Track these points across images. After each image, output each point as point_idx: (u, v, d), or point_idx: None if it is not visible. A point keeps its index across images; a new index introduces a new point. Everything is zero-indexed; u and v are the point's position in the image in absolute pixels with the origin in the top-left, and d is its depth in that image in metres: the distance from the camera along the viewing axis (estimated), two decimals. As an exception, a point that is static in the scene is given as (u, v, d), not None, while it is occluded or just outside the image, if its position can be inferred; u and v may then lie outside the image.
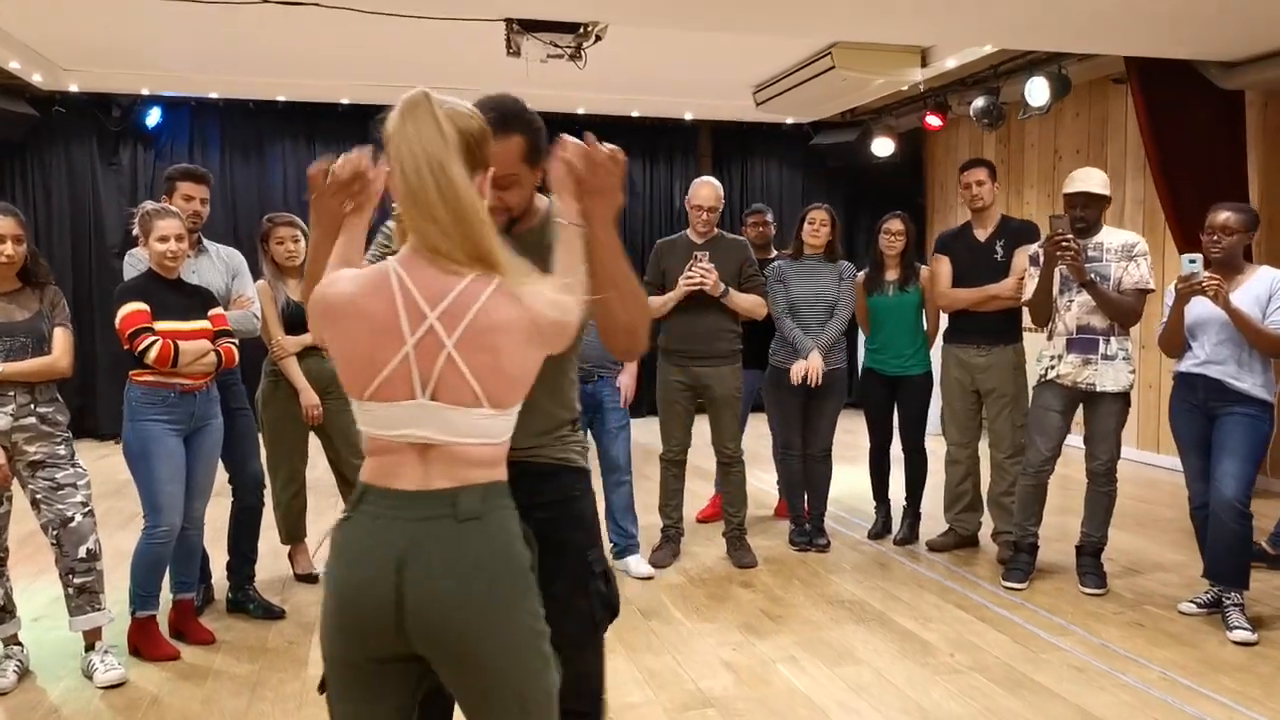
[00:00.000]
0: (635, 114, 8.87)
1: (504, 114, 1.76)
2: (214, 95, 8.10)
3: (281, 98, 8.19)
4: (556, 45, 4.61)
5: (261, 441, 4.09)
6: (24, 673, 3.23)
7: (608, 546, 4.42)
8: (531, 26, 4.51)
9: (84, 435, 7.62)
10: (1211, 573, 3.67)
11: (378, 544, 1.47)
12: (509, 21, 4.53)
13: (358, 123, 8.59)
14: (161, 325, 3.33)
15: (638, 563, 4.32)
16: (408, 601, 1.43)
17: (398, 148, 1.46)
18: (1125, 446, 4.20)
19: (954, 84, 7.59)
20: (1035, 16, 4.95)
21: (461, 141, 1.49)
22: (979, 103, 7.05)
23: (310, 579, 4.24)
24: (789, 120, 9.08)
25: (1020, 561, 4.18)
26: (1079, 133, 7.61)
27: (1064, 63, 6.51)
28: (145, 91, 7.92)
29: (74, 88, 7.63)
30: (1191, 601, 3.84)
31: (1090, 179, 4.03)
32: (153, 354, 3.27)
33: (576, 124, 8.94)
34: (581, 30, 4.58)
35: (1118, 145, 7.19)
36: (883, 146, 8.50)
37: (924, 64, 6.85)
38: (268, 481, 4.09)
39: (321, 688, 1.61)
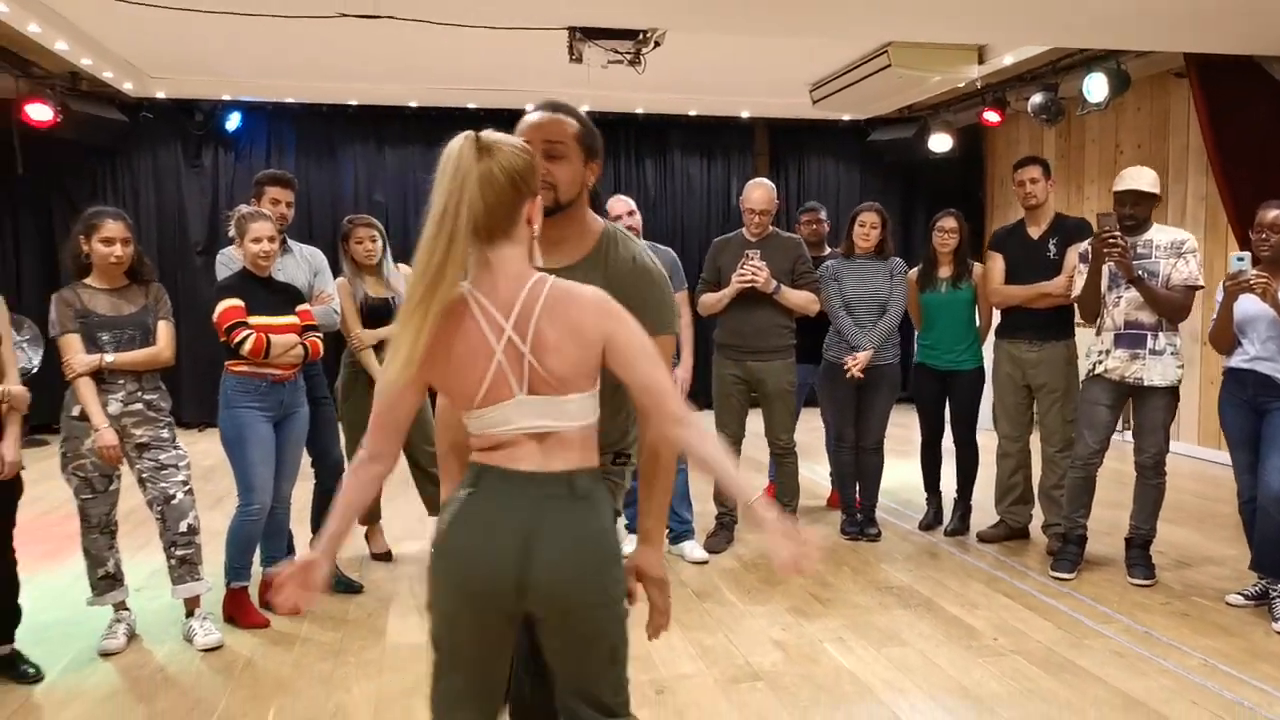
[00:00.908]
0: (693, 113, 9.04)
1: (561, 104, 1.96)
2: (289, 100, 8.47)
3: (353, 102, 8.52)
4: (617, 51, 4.80)
5: (341, 429, 4.38)
6: (132, 636, 3.54)
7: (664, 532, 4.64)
8: (593, 34, 4.71)
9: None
10: (1258, 564, 3.73)
11: (505, 516, 1.65)
12: (572, 30, 4.73)
13: (425, 125, 8.91)
14: (255, 320, 3.61)
15: (693, 548, 4.51)
16: (533, 567, 1.63)
17: (443, 198, 1.60)
18: (1187, 443, 4.27)
19: (1012, 80, 7.61)
20: (1089, 16, 5.00)
21: (507, 180, 1.62)
22: (1036, 99, 7.08)
23: (385, 557, 4.51)
24: (845, 117, 9.16)
25: (1069, 552, 4.27)
26: (1140, 128, 7.58)
27: (1123, 58, 6.51)
28: (226, 97, 8.32)
29: (161, 94, 8.06)
30: (1239, 594, 3.90)
31: (1140, 177, 4.10)
32: (247, 346, 3.55)
33: (635, 123, 9.20)
34: (641, 37, 4.75)
35: (1179, 140, 7.15)
36: (940, 142, 8.53)
37: (981, 61, 6.91)
38: (347, 466, 4.38)
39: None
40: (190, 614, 3.53)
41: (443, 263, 1.58)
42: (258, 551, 3.80)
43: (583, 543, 1.66)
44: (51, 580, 4.13)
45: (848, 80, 7.47)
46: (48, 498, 5.43)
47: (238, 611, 3.68)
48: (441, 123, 8.95)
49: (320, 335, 3.84)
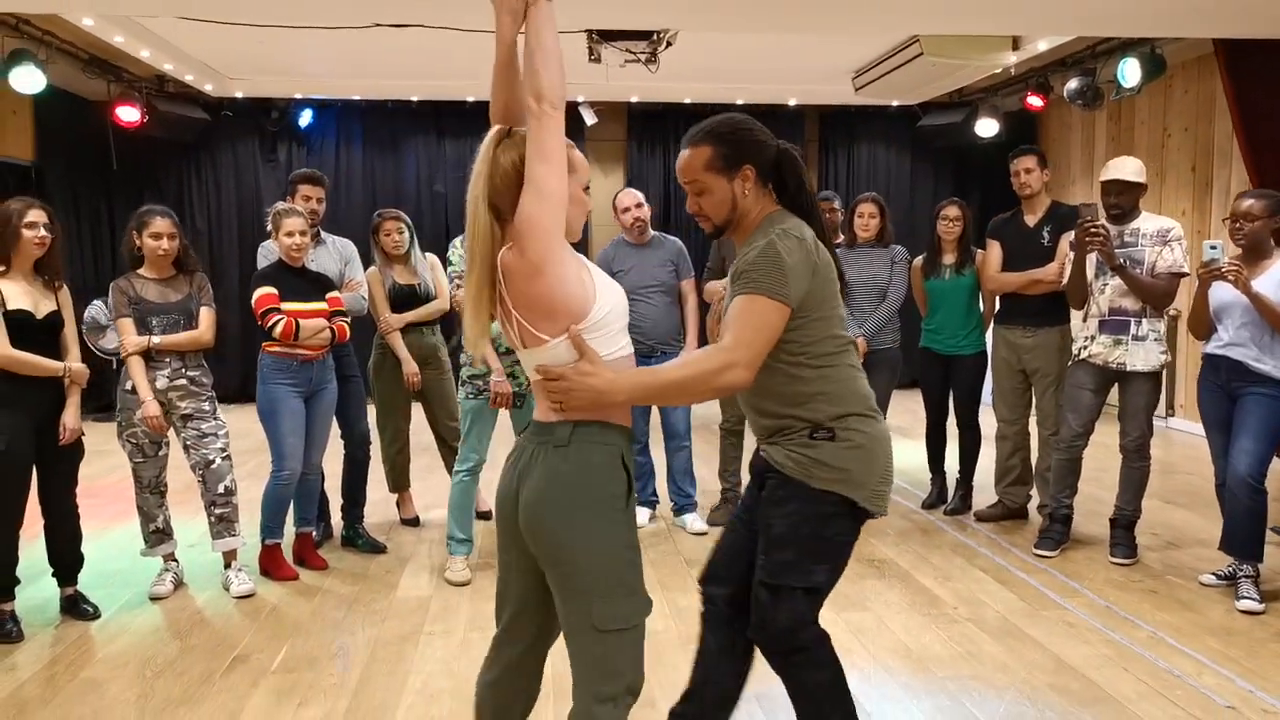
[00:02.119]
0: (740, 101, 9.21)
1: (699, 129, 2.12)
2: (356, 97, 8.99)
3: (415, 97, 8.99)
4: (631, 51, 5.08)
5: (373, 405, 4.82)
6: (179, 584, 4.03)
7: (667, 505, 4.95)
8: (609, 36, 4.99)
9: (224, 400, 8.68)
10: (1226, 545, 3.83)
11: (516, 459, 1.96)
12: (589, 32, 5.03)
13: (482, 117, 9.25)
14: (287, 306, 4.04)
15: (694, 520, 4.80)
16: (520, 503, 1.89)
17: (470, 181, 1.91)
18: (1195, 425, 4.32)
19: (1054, 64, 7.60)
20: (1114, 5, 5.03)
21: (511, 168, 1.86)
22: (1073, 84, 7.07)
23: (413, 522, 4.94)
24: (894, 103, 9.22)
25: (1053, 531, 4.41)
26: (1187, 110, 7.48)
27: (1158, 42, 6.48)
28: (298, 96, 8.89)
29: (239, 94, 8.67)
30: (1213, 574, 4.00)
31: (1124, 167, 4.20)
32: (278, 330, 3.98)
33: (684, 113, 9.43)
34: (655, 37, 5.02)
35: (1225, 123, 7.05)
36: (986, 127, 8.53)
37: (1016, 47, 6.95)
38: (375, 438, 4.82)
39: None
40: (228, 565, 4.00)
41: (471, 231, 1.88)
42: (291, 513, 4.24)
43: (552, 485, 1.86)
44: (118, 535, 4.67)
45: (885, 69, 7.58)
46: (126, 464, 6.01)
47: (271, 565, 4.13)
48: (499, 116, 9.34)
49: (348, 320, 4.25)
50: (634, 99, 9.20)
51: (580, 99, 9.06)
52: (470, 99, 9.05)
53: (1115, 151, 8.27)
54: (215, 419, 3.97)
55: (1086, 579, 4.05)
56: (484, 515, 5.04)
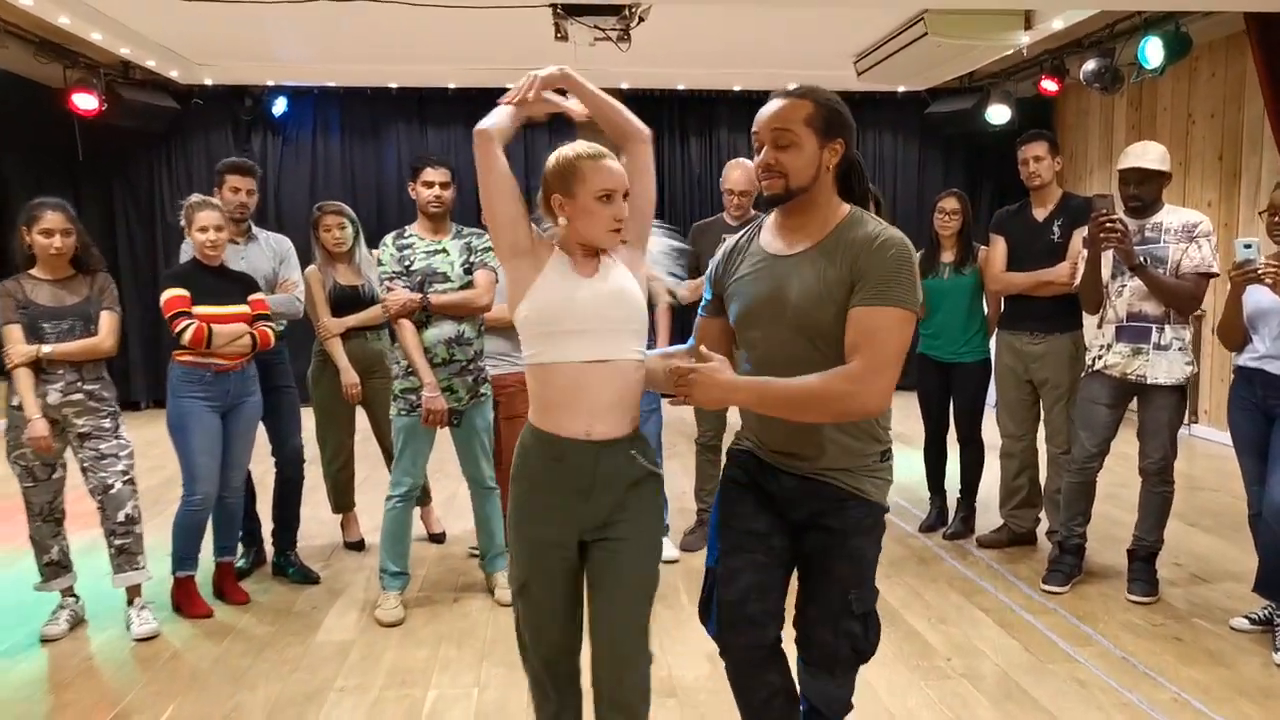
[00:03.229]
0: (738, 87, 8.74)
1: (799, 87, 1.99)
2: (332, 84, 8.55)
3: (393, 84, 8.55)
4: (600, 28, 4.61)
5: (315, 417, 4.39)
6: (78, 622, 3.61)
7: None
8: (575, 10, 4.53)
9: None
10: (1262, 585, 3.34)
11: None
12: (554, 6, 4.56)
13: (467, 105, 8.87)
14: (200, 310, 3.61)
15: (665, 545, 4.34)
16: None
17: None
18: (1220, 434, 3.85)
19: (1070, 45, 7.07)
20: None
21: (541, 180, 2.10)
22: (1090, 65, 6.55)
23: (358, 546, 4.50)
24: (900, 89, 8.71)
25: (1063, 564, 3.93)
26: (1213, 95, 6.94)
27: (1184, 20, 5.95)
28: (271, 82, 8.46)
29: (209, 81, 8.25)
30: (1246, 617, 3.51)
31: (1145, 153, 3.71)
32: (187, 336, 3.54)
33: (677, 99, 8.96)
34: (625, 11, 4.55)
35: (1255, 108, 6.50)
36: (998, 114, 8.02)
37: (1028, 26, 6.42)
38: (318, 454, 4.39)
39: None
40: (130, 603, 3.57)
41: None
42: (211, 540, 3.82)
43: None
44: (17, 564, 4.25)
45: (888, 51, 7.07)
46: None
47: (183, 600, 3.70)
48: (484, 103, 8.87)
49: (272, 325, 3.81)
50: (624, 85, 8.71)
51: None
52: (452, 85, 8.62)
53: (1136, 139, 7.69)
54: (117, 438, 3.54)
55: (1101, 622, 3.57)
56: (437, 538, 4.61)
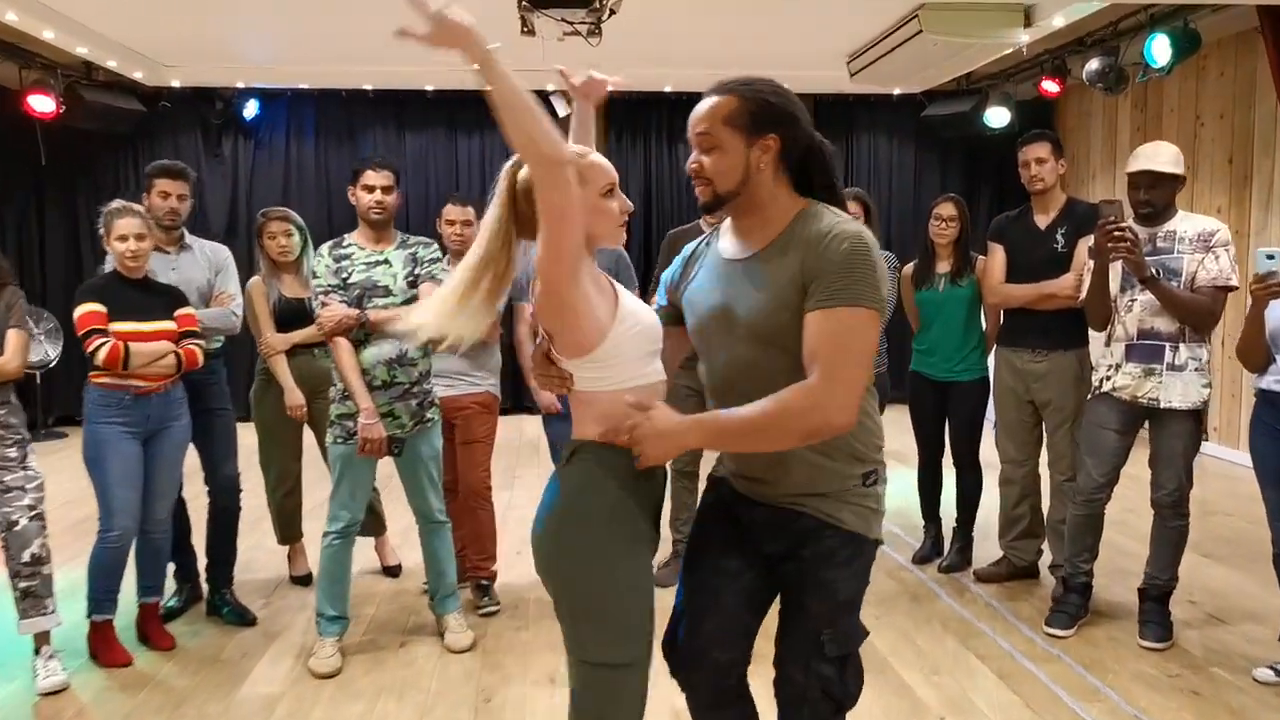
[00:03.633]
0: (727, 90, 8.41)
1: (732, 80, 1.81)
2: (305, 86, 8.23)
3: (368, 86, 8.23)
4: (569, 21, 4.28)
5: (258, 441, 4.07)
6: (-19, 671, 3.28)
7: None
8: (541, 2, 4.20)
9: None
10: (1290, 636, 3.01)
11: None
12: (518, -1, 4.25)
13: (445, 108, 8.58)
14: (118, 326, 3.28)
15: (635, 581, 4.00)
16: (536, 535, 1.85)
17: (491, 204, 1.82)
18: (1234, 453, 3.52)
19: (1072, 44, 6.76)
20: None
21: (522, 195, 1.77)
22: (1093, 64, 6.24)
23: (305, 580, 4.16)
24: (896, 91, 8.40)
25: (1068, 604, 3.59)
26: (1222, 95, 6.61)
27: (1192, 15, 5.63)
28: (241, 85, 8.15)
29: (176, 83, 7.92)
30: (1271, 668, 3.17)
31: (1156, 155, 3.39)
32: (101, 355, 3.22)
33: (665, 101, 8.64)
34: (596, 4, 4.23)
35: (1267, 109, 6.19)
36: (997, 117, 7.71)
37: (1028, 23, 6.09)
38: (262, 481, 4.07)
39: None
40: (38, 651, 3.23)
41: (478, 265, 1.78)
42: (134, 580, 3.48)
43: (548, 504, 1.82)
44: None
45: (881, 50, 6.75)
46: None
47: (99, 647, 3.36)
48: (463, 106, 8.62)
49: (201, 342, 3.48)
50: (610, 87, 8.38)
51: (551, 88, 8.28)
52: (430, 88, 8.31)
53: (1141, 143, 7.37)
54: (24, 469, 3.21)
55: (1110, 671, 3.23)
56: (391, 571, 4.27)
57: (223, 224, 8.48)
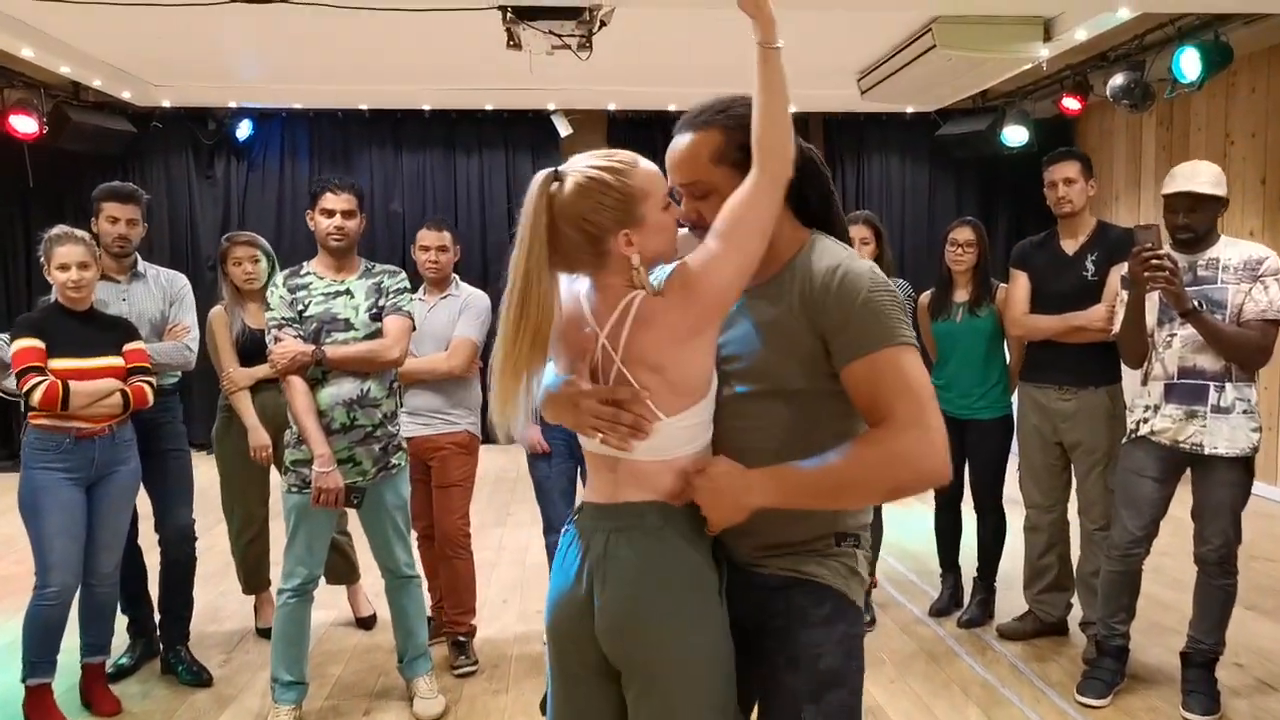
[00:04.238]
0: (733, 109, 8.14)
1: (704, 109, 1.59)
2: (298, 105, 8.02)
3: (364, 105, 8.02)
4: (557, 34, 4.02)
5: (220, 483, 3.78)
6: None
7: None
8: (527, 14, 3.94)
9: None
10: (1359, 717, 2.66)
11: (579, 552, 1.56)
12: (503, 9, 3.98)
13: (442, 127, 8.37)
14: (57, 364, 3.02)
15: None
16: (597, 606, 1.51)
17: (521, 240, 1.48)
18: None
19: (1094, 59, 6.47)
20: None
21: (573, 229, 1.48)
22: (1118, 80, 5.93)
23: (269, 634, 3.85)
24: (909, 109, 8.12)
25: (1102, 669, 3.25)
26: (1254, 111, 6.29)
27: (1224, 28, 5.33)
28: (233, 104, 7.94)
29: (167, 103, 7.73)
30: (1334, 748, 2.83)
31: (1196, 175, 3.08)
32: (36, 396, 2.95)
33: (668, 120, 8.36)
34: (585, 15, 3.96)
35: (1302, 126, 5.87)
36: (1015, 135, 7.41)
37: (1048, 38, 5.80)
38: (225, 525, 3.79)
39: (542, 706, 1.74)
40: (-36, 720, 2.95)
41: (518, 317, 1.48)
42: (77, 640, 3.19)
43: (649, 581, 1.50)
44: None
45: (894, 66, 6.48)
46: None
47: (35, 715, 3.05)
48: (460, 125, 8.39)
49: (152, 380, 3.20)
50: (612, 106, 8.16)
51: (552, 107, 8.06)
52: (427, 108, 8.10)
53: (1167, 163, 7.07)
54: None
55: (1152, 750, 2.89)
56: (365, 622, 3.97)
57: (214, 248, 8.18)
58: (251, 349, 3.69)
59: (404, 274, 3.18)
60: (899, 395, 1.47)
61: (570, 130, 8.19)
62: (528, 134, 8.41)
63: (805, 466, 1.49)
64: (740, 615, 1.58)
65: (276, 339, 2.95)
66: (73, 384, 2.99)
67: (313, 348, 2.91)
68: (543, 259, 1.47)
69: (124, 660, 3.50)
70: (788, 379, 1.55)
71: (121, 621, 3.41)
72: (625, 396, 1.50)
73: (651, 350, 1.49)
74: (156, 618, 3.59)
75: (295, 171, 8.37)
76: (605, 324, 1.52)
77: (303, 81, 7.39)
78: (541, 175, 1.50)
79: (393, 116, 8.27)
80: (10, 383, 6.82)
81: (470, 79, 7.23)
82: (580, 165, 1.50)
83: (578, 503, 1.64)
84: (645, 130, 8.48)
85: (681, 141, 1.58)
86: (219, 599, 4.13)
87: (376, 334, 3.00)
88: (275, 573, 3.81)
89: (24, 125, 6.66)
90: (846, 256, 1.57)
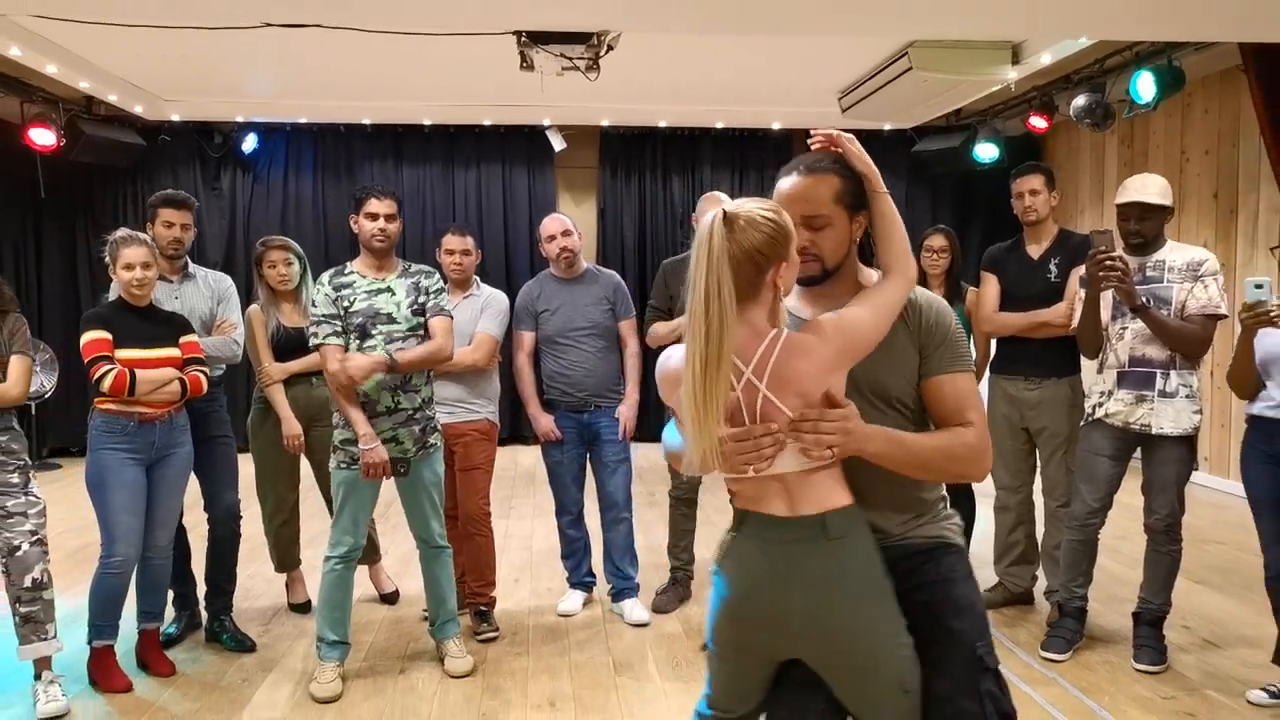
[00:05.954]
0: (720, 125, 8.54)
1: (817, 158, 1.85)
2: (304, 120, 8.32)
3: (367, 120, 8.33)
4: (567, 57, 4.37)
5: (255, 469, 4.09)
6: (-20, 697, 3.27)
7: (604, 588, 4.17)
8: (540, 38, 4.30)
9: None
10: (1282, 659, 3.04)
11: (763, 561, 1.72)
12: (518, 34, 4.33)
13: (442, 141, 8.69)
14: (123, 354, 3.32)
15: (634, 607, 4.01)
16: (794, 612, 1.68)
17: (702, 280, 1.62)
18: (1225, 482, 3.57)
19: (1059, 81, 6.89)
20: (1127, 4, 4.32)
21: (746, 257, 1.65)
22: (1080, 101, 6.36)
23: (304, 608, 4.16)
24: (887, 126, 8.54)
25: (1063, 628, 3.62)
26: (1208, 131, 6.75)
27: (1177, 54, 5.76)
28: (240, 119, 8.23)
29: (176, 117, 8.01)
30: (1264, 689, 3.20)
31: (1145, 187, 3.47)
32: (107, 383, 3.25)
33: (658, 136, 8.76)
34: (594, 40, 4.32)
35: (1251, 144, 6.31)
36: (986, 152, 7.83)
37: (1016, 61, 6.22)
38: (259, 508, 4.09)
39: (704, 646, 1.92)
40: (38, 676, 3.23)
41: (719, 341, 1.61)
42: (134, 606, 3.48)
43: (840, 584, 1.69)
44: None
45: (873, 86, 6.88)
46: None
47: (99, 673, 3.36)
48: (460, 140, 8.73)
49: (206, 370, 3.51)
50: (605, 122, 8.52)
51: (547, 123, 8.41)
52: (428, 122, 8.42)
53: (1128, 177, 7.52)
54: (26, 494, 3.22)
55: (1105, 694, 3.25)
56: (388, 598, 4.28)
57: (220, 257, 8.51)
58: (286, 345, 4.01)
59: (439, 274, 3.52)
60: (975, 410, 1.84)
61: (564, 145, 8.53)
62: (524, 148, 8.75)
63: (911, 437, 1.79)
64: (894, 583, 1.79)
65: (314, 334, 3.28)
66: (137, 372, 3.30)
67: (385, 358, 3.23)
68: (731, 289, 1.61)
69: (171, 630, 3.79)
70: (901, 388, 1.85)
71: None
72: (761, 434, 1.68)
73: (804, 378, 1.67)
74: (200, 592, 3.90)
75: (299, 184, 8.67)
76: (751, 356, 1.67)
77: (307, 97, 7.68)
78: (716, 218, 1.65)
79: (394, 131, 8.59)
80: (36, 386, 7.08)
81: (470, 96, 7.56)
82: (750, 207, 1.68)
83: (738, 514, 1.77)
84: (636, 145, 8.86)
85: (804, 182, 1.82)
86: (248, 581, 4.40)
87: (418, 327, 3.34)
88: (305, 554, 4.17)
89: (42, 138, 6.93)
90: (924, 291, 1.91)
